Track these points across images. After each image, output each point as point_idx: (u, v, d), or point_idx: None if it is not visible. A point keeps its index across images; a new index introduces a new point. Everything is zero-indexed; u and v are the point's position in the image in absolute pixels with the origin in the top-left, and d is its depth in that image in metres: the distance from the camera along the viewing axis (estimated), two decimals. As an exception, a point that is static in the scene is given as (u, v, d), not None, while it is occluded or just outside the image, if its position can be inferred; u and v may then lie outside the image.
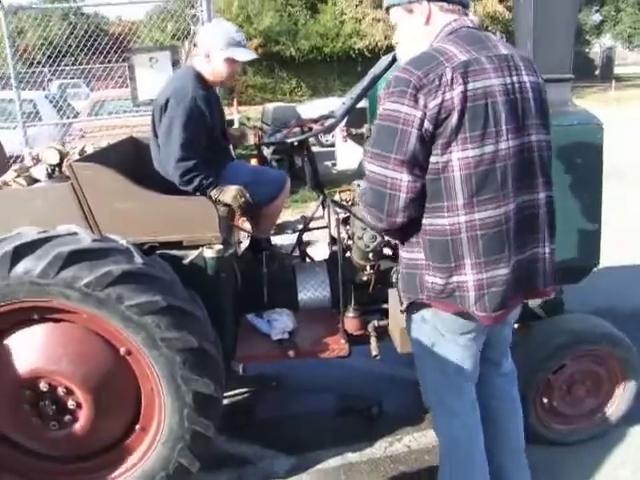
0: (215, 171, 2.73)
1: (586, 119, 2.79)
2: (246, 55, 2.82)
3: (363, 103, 6.24)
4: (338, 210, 2.79)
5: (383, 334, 2.71)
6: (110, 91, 7.87)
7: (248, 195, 2.62)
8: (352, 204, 2.83)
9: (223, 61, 2.77)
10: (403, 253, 1.91)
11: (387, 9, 1.93)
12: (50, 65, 10.71)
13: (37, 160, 2.75)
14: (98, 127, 6.11)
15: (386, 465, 2.70)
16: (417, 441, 2.86)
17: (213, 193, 2.57)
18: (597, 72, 32.28)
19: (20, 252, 2.10)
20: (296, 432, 2.95)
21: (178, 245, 2.42)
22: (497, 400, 2.17)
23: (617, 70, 33.13)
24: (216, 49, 2.75)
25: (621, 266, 4.56)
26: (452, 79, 1.66)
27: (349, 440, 2.86)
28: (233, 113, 10.79)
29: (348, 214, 2.77)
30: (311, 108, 11.22)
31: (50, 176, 2.55)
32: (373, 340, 2.69)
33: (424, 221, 1.79)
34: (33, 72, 9.05)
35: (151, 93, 5.54)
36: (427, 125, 1.68)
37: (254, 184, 2.77)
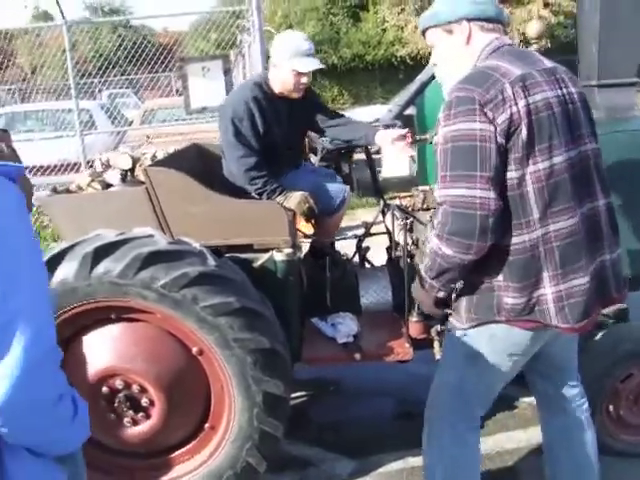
0: (276, 177, 2.77)
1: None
2: (309, 65, 2.79)
3: (410, 110, 6.24)
4: (399, 216, 2.82)
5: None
6: (161, 100, 8.08)
7: (312, 202, 2.66)
8: (413, 210, 2.85)
9: (288, 71, 2.78)
10: (473, 276, 1.82)
11: (424, 32, 1.92)
12: (100, 76, 11.03)
13: (107, 165, 2.84)
14: (153, 135, 6.27)
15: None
16: (485, 445, 2.81)
17: (279, 199, 2.62)
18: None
19: (100, 253, 2.19)
20: (357, 435, 2.97)
21: (248, 248, 2.48)
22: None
23: None
24: (283, 59, 2.78)
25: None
26: (514, 93, 1.66)
27: (410, 444, 2.84)
28: None
29: (411, 220, 2.79)
30: (353, 116, 11.24)
31: (123, 180, 2.63)
32: (436, 344, 2.68)
33: (504, 241, 1.74)
34: (85, 83, 9.32)
35: (203, 101, 5.69)
36: (500, 140, 1.66)
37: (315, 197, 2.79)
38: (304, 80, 2.83)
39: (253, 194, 2.70)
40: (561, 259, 1.73)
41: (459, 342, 1.95)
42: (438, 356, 2.70)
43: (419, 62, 21.99)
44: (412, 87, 6.69)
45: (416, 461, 2.75)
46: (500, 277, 1.77)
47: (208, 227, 2.45)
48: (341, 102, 24.47)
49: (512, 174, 1.70)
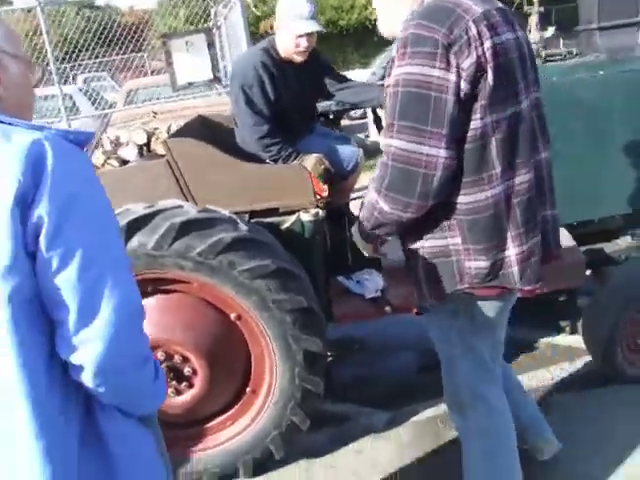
0: (290, 142, 2.79)
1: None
2: (308, 27, 2.73)
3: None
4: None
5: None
6: (142, 79, 7.97)
7: (328, 163, 2.69)
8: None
9: (289, 35, 2.76)
10: (426, 242, 1.67)
11: None
12: (72, 60, 10.79)
13: (116, 144, 2.83)
14: (140, 115, 6.20)
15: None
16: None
17: (294, 163, 2.64)
18: None
19: (133, 227, 2.19)
20: (386, 389, 3.06)
21: (273, 212, 2.50)
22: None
23: None
24: (285, 22, 2.75)
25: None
26: (479, 32, 1.48)
27: (439, 393, 2.91)
28: None
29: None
30: None
31: (140, 155, 2.63)
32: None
33: (461, 199, 1.58)
34: (58, 68, 9.12)
35: (189, 77, 5.62)
36: (465, 87, 1.48)
37: (329, 159, 2.82)
38: (304, 43, 2.78)
39: (268, 161, 2.72)
40: (522, 216, 1.61)
41: (433, 320, 1.88)
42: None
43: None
44: (394, 49, 6.73)
45: (446, 407, 2.84)
46: (459, 240, 1.62)
47: (233, 194, 2.47)
48: (316, 69, 24.30)
49: (476, 123, 1.53)
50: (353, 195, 3.50)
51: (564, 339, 3.28)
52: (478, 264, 1.61)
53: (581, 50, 2.93)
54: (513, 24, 1.62)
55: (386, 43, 7.85)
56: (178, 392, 2.39)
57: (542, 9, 2.96)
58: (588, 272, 2.96)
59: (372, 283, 2.76)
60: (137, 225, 2.21)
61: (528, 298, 2.67)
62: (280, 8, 2.81)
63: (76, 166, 1.12)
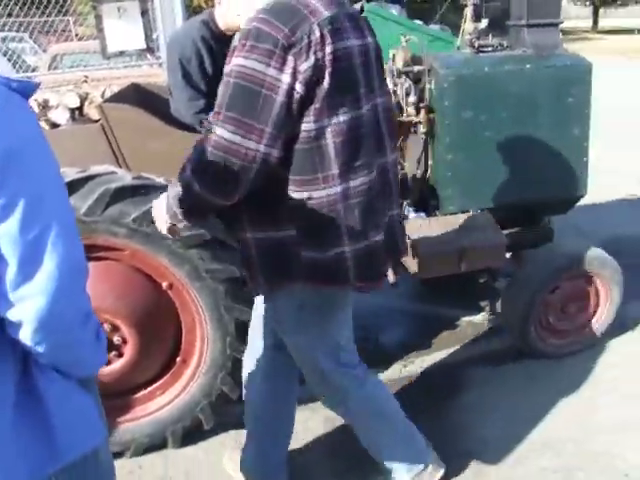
0: None
1: (577, 60, 3.00)
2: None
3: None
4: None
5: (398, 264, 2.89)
6: (68, 44, 7.59)
7: None
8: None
9: (231, 9, 2.66)
10: (265, 233, 1.69)
11: None
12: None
13: (44, 106, 2.73)
14: (67, 81, 5.93)
15: (405, 384, 2.93)
16: (428, 362, 3.09)
17: None
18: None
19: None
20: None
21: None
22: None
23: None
24: None
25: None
26: (322, 37, 1.51)
27: (378, 363, 3.02)
28: None
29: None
30: None
31: (72, 119, 2.55)
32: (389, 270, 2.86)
33: (296, 195, 1.62)
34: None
35: (121, 45, 5.42)
36: (300, 90, 1.51)
37: None
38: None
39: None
40: (360, 216, 1.68)
41: (284, 319, 1.89)
42: (391, 280, 2.89)
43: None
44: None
45: (385, 375, 2.96)
46: (297, 233, 1.65)
47: (168, 163, 2.39)
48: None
49: (310, 125, 1.56)
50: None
51: (483, 317, 3.46)
52: (313, 256, 1.66)
53: (511, 44, 3.07)
54: (362, 30, 1.69)
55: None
56: (107, 361, 2.37)
57: (477, 1, 3.07)
58: (508, 255, 3.14)
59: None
60: (69, 189, 2.15)
61: (452, 277, 2.84)
62: None
63: (19, 117, 1.09)
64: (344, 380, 1.97)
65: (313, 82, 1.51)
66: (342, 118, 1.58)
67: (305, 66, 1.49)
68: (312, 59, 1.49)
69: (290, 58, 1.47)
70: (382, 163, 1.77)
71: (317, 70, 1.50)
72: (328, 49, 1.51)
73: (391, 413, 2.12)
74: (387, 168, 1.80)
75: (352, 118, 1.61)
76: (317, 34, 1.49)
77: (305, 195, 1.62)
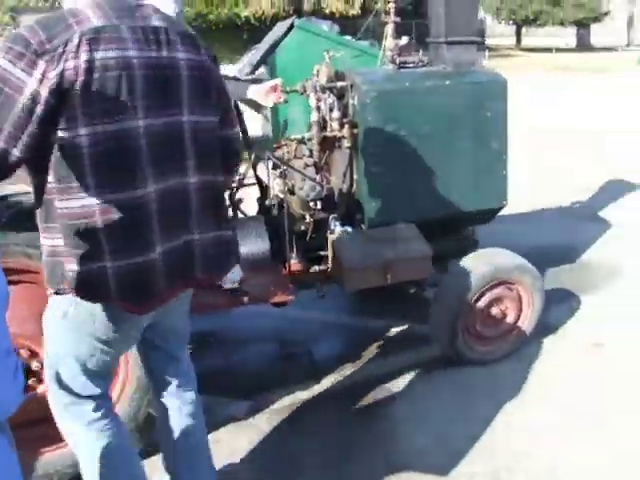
0: None
1: (493, 77, 3.14)
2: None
3: (261, 69, 6.30)
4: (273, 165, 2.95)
5: (325, 277, 2.93)
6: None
7: None
8: (289, 159, 2.99)
9: None
10: (43, 240, 1.67)
11: None
12: None
13: None
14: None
15: (337, 396, 2.95)
16: (359, 374, 3.13)
17: None
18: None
19: None
20: (245, 379, 3.11)
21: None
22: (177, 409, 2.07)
23: (488, 40, 35.63)
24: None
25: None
26: (78, 45, 1.50)
27: (296, 381, 3.05)
28: None
29: (284, 169, 2.92)
30: None
31: None
32: (317, 283, 2.90)
33: (57, 203, 1.58)
34: None
35: None
36: (46, 96, 1.48)
37: None
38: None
39: None
40: (123, 233, 1.61)
41: (47, 324, 1.81)
42: (321, 293, 2.93)
43: (263, 22, 21.84)
44: (263, 47, 6.73)
45: (304, 394, 2.96)
46: (62, 242, 1.61)
47: None
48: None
49: (64, 133, 1.52)
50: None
51: (412, 327, 3.53)
52: (75, 267, 1.60)
53: (431, 60, 3.17)
54: (161, 44, 1.65)
55: (256, 41, 7.81)
56: (27, 388, 2.29)
57: (398, 19, 3.16)
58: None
59: (230, 274, 2.79)
60: None
61: (381, 288, 2.89)
62: None
63: None
64: (74, 408, 1.85)
65: (63, 90, 1.49)
66: (100, 129, 1.54)
67: (54, 73, 1.47)
68: (61, 67, 1.48)
69: (41, 63, 1.47)
70: (180, 183, 1.71)
71: (67, 79, 1.48)
72: (83, 58, 1.50)
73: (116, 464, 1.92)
74: (187, 189, 1.73)
75: (116, 130, 1.56)
76: (74, 43, 1.49)
77: (64, 204, 1.58)
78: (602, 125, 9.74)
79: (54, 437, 2.39)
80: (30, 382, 2.27)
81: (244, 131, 3.24)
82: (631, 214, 5.30)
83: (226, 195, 3.29)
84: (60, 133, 1.52)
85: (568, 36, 39.43)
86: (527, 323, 3.15)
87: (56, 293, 1.70)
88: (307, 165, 2.85)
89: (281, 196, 2.99)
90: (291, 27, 7.05)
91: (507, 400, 2.84)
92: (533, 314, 3.14)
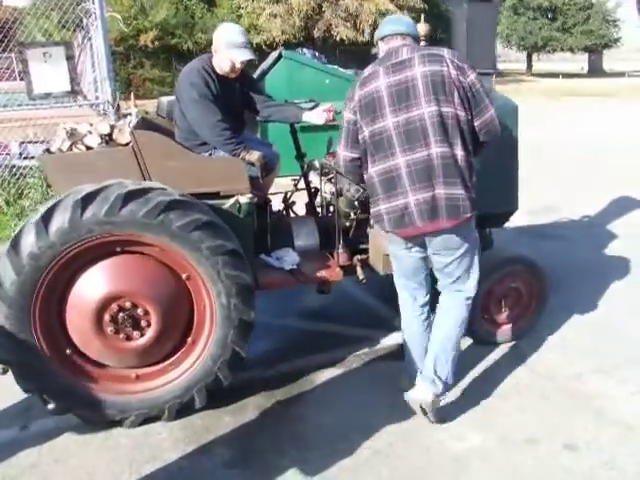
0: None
1: (507, 101, 3.74)
2: (243, 56, 3.34)
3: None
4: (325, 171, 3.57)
5: (366, 264, 3.53)
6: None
7: (267, 159, 3.32)
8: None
9: (226, 59, 3.35)
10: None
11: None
12: None
13: (71, 134, 3.18)
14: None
15: (266, 385, 3.34)
16: (284, 367, 3.54)
17: (242, 154, 3.23)
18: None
19: (127, 197, 2.67)
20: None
21: (215, 195, 3.07)
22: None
23: (501, 65, 36.21)
24: (220, 48, 3.35)
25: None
26: (355, 88, 2.77)
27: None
28: (130, 107, 10.61)
29: (333, 175, 3.54)
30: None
31: (107, 143, 3.07)
32: (359, 269, 3.49)
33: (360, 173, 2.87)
34: None
35: (47, 87, 5.70)
36: (352, 118, 2.76)
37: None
38: (239, 66, 3.40)
39: (222, 149, 3.29)
40: (383, 188, 2.71)
41: None
42: (361, 276, 3.50)
43: (275, 49, 22.60)
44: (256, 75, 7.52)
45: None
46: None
47: (183, 178, 2.98)
48: (198, 87, 24.36)
49: (360, 137, 2.76)
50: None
51: (348, 330, 3.95)
52: (372, 210, 2.84)
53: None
54: (404, 69, 2.65)
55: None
56: (129, 338, 2.84)
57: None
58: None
59: (290, 258, 3.42)
60: (131, 196, 2.67)
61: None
62: (218, 35, 3.38)
63: None
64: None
65: (355, 112, 2.82)
66: (368, 129, 2.77)
67: (351, 106, 2.82)
68: (352, 103, 2.82)
69: (350, 104, 2.84)
70: (421, 154, 2.64)
71: (353, 107, 2.81)
72: (357, 96, 2.80)
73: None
74: (430, 158, 2.63)
75: (374, 129, 2.74)
76: (355, 89, 2.82)
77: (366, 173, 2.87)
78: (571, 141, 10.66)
79: (140, 382, 2.97)
80: (135, 334, 2.83)
81: (297, 145, 3.89)
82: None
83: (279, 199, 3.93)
84: (361, 135, 2.76)
85: (583, 61, 39.87)
86: (532, 311, 3.71)
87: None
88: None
89: (330, 198, 3.61)
90: (279, 57, 7.90)
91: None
92: (537, 303, 3.71)
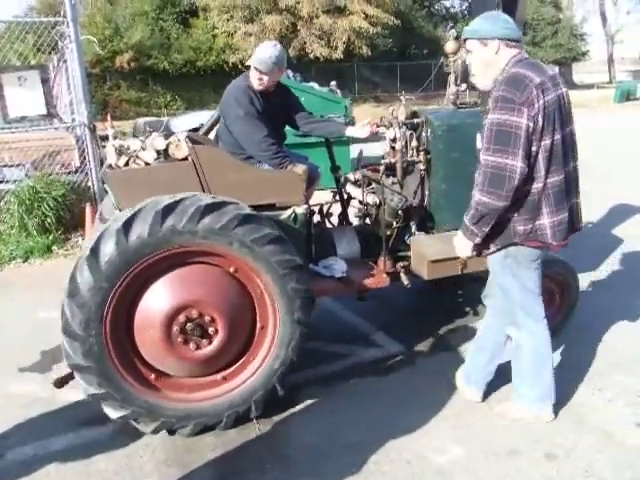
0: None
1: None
2: (258, 67, 3.51)
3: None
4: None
5: (408, 270, 3.66)
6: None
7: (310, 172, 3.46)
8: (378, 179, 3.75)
9: (252, 74, 3.58)
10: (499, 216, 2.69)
11: (465, 39, 2.81)
12: None
13: (120, 150, 3.25)
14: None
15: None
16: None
17: (289, 167, 3.36)
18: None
19: (205, 210, 2.75)
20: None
21: (272, 207, 3.18)
22: None
23: None
24: (252, 62, 3.56)
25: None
26: (537, 95, 2.55)
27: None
28: (107, 128, 10.56)
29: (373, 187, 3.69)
30: (182, 122, 11.73)
31: (165, 158, 3.15)
32: (402, 275, 3.62)
33: (522, 188, 2.62)
34: None
35: (22, 110, 5.74)
36: (530, 126, 2.54)
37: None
38: (263, 77, 3.56)
39: (269, 164, 3.42)
40: (554, 201, 2.69)
41: (493, 262, 2.91)
42: (406, 282, 3.63)
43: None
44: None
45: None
46: (515, 213, 2.71)
47: (242, 191, 3.06)
48: (174, 107, 24.17)
49: (533, 147, 2.59)
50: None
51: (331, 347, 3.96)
52: (525, 227, 2.75)
53: (483, 102, 3.98)
54: (558, 85, 2.67)
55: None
56: (198, 347, 2.90)
57: (457, 71, 3.97)
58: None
59: (339, 266, 3.53)
60: (209, 209, 2.75)
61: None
62: (254, 53, 3.59)
63: None
64: (527, 316, 3.01)
65: (535, 121, 2.60)
66: (547, 141, 2.63)
67: (532, 112, 2.58)
68: (535, 108, 2.58)
69: (524, 108, 2.58)
70: (573, 166, 2.81)
71: (537, 114, 2.57)
72: (540, 102, 2.58)
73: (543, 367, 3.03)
74: (573, 170, 2.81)
75: (553, 140, 2.64)
76: (534, 94, 2.57)
77: (525, 188, 2.69)
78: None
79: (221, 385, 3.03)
80: (203, 342, 2.89)
81: (333, 159, 4.04)
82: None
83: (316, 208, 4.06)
84: (534, 147, 2.61)
85: (552, 74, 41.07)
86: (563, 311, 3.89)
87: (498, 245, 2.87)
88: (393, 183, 3.63)
89: (368, 208, 3.75)
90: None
91: (385, 405, 3.26)
92: (568, 303, 3.89)
